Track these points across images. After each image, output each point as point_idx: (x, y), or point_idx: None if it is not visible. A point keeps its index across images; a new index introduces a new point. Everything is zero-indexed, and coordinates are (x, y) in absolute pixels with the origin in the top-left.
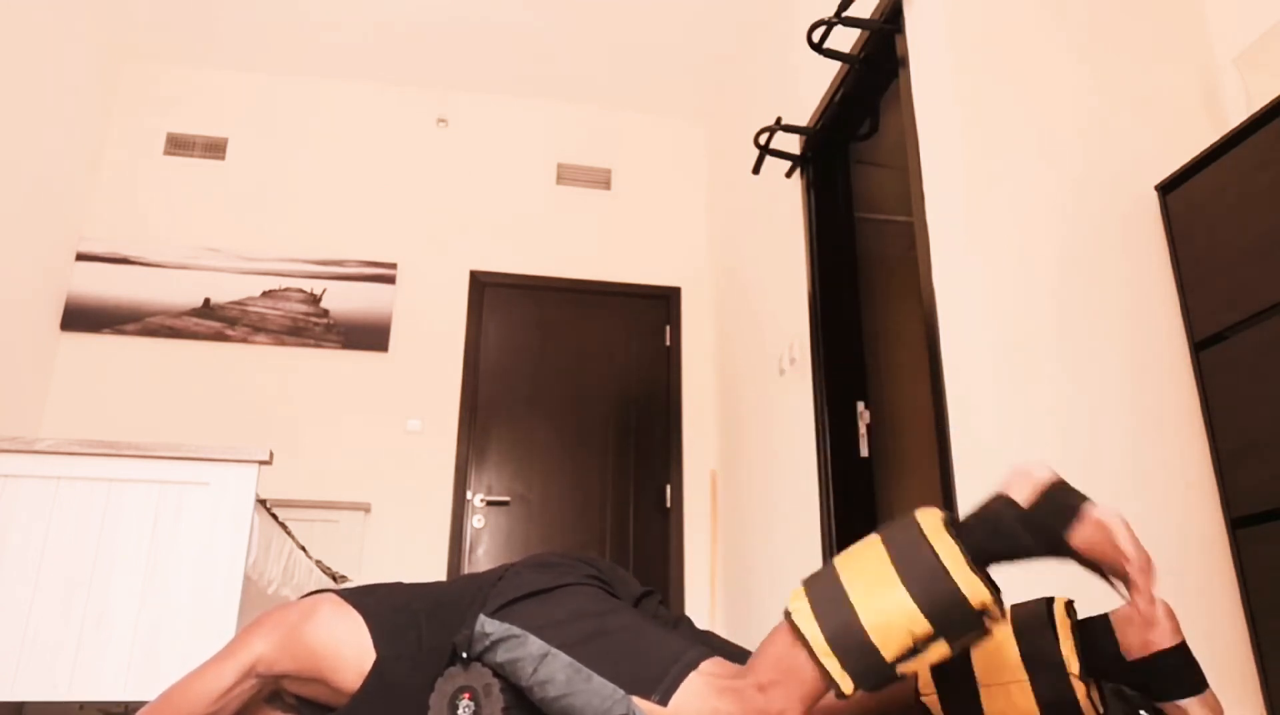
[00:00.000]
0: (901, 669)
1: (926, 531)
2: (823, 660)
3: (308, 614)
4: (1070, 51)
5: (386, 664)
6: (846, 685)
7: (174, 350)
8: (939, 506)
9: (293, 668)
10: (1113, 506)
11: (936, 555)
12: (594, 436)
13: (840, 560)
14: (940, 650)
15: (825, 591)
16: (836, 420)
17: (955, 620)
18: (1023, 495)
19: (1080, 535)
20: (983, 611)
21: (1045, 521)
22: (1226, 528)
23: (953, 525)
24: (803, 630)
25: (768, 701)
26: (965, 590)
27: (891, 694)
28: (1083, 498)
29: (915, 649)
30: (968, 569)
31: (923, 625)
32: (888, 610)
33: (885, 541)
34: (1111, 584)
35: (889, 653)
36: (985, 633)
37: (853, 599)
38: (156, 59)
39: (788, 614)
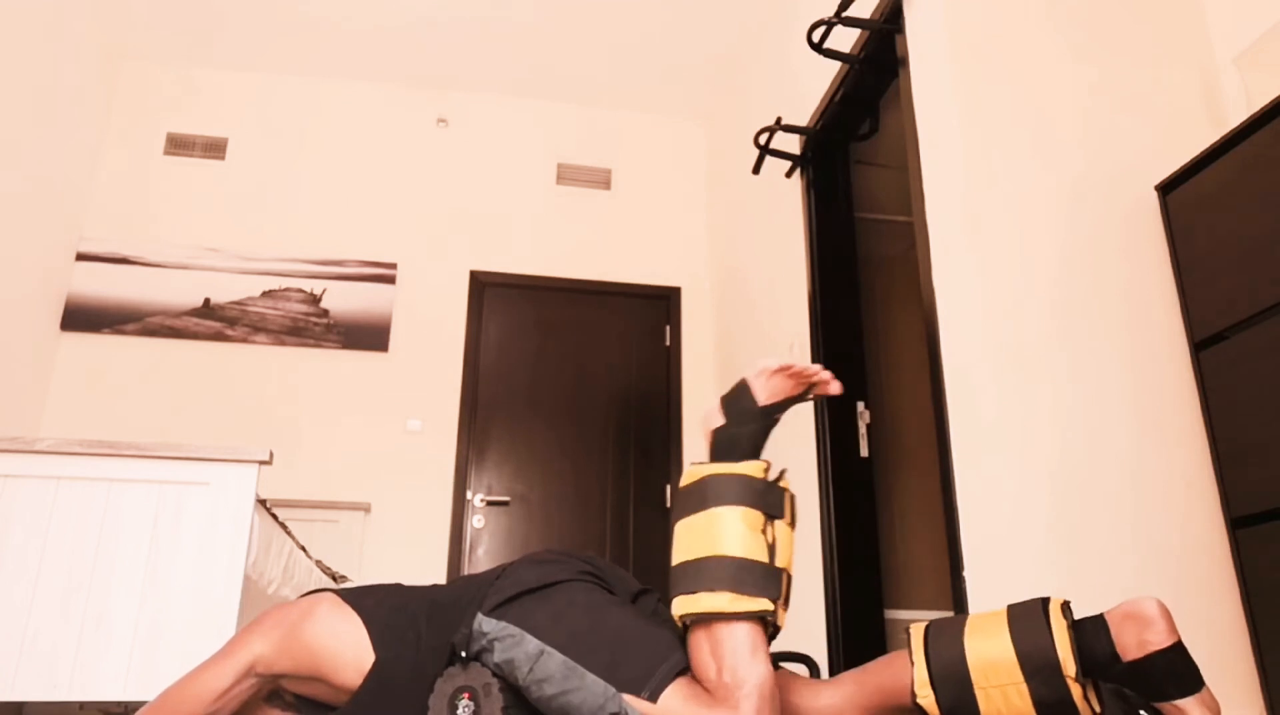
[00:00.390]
0: None
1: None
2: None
3: (306, 614)
4: (1070, 51)
5: (385, 664)
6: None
7: (174, 350)
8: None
9: (291, 667)
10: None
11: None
12: (594, 436)
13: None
14: None
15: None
16: (836, 420)
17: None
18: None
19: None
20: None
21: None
22: (1226, 528)
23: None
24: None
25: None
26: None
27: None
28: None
29: None
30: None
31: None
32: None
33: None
34: None
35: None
36: None
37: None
38: (156, 59)
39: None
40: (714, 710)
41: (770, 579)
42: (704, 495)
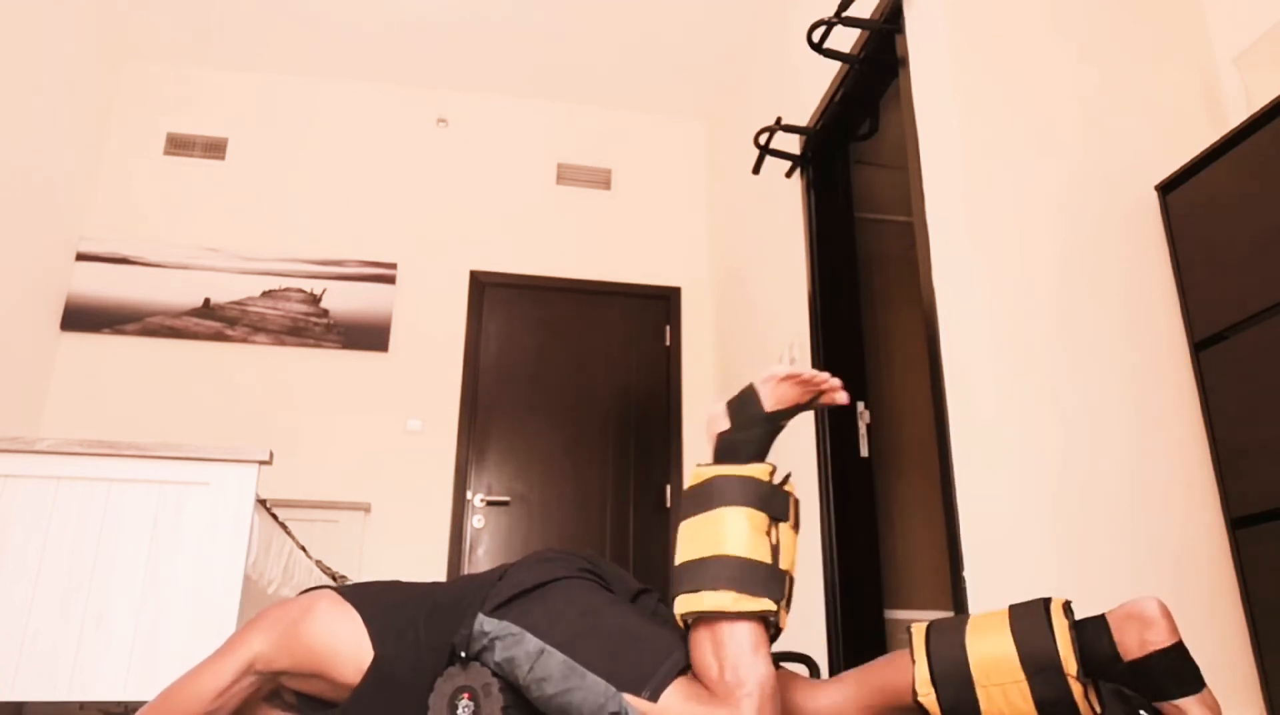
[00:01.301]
0: None
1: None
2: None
3: (306, 611)
4: (1070, 51)
5: (384, 661)
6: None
7: (174, 350)
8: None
9: (291, 665)
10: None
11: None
12: (594, 437)
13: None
14: None
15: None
16: (836, 420)
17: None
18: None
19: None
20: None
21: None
22: (1226, 528)
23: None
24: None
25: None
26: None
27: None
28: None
29: None
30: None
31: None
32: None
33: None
34: None
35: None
36: None
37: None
38: (156, 59)
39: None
40: (715, 708)
41: (774, 580)
42: (710, 496)
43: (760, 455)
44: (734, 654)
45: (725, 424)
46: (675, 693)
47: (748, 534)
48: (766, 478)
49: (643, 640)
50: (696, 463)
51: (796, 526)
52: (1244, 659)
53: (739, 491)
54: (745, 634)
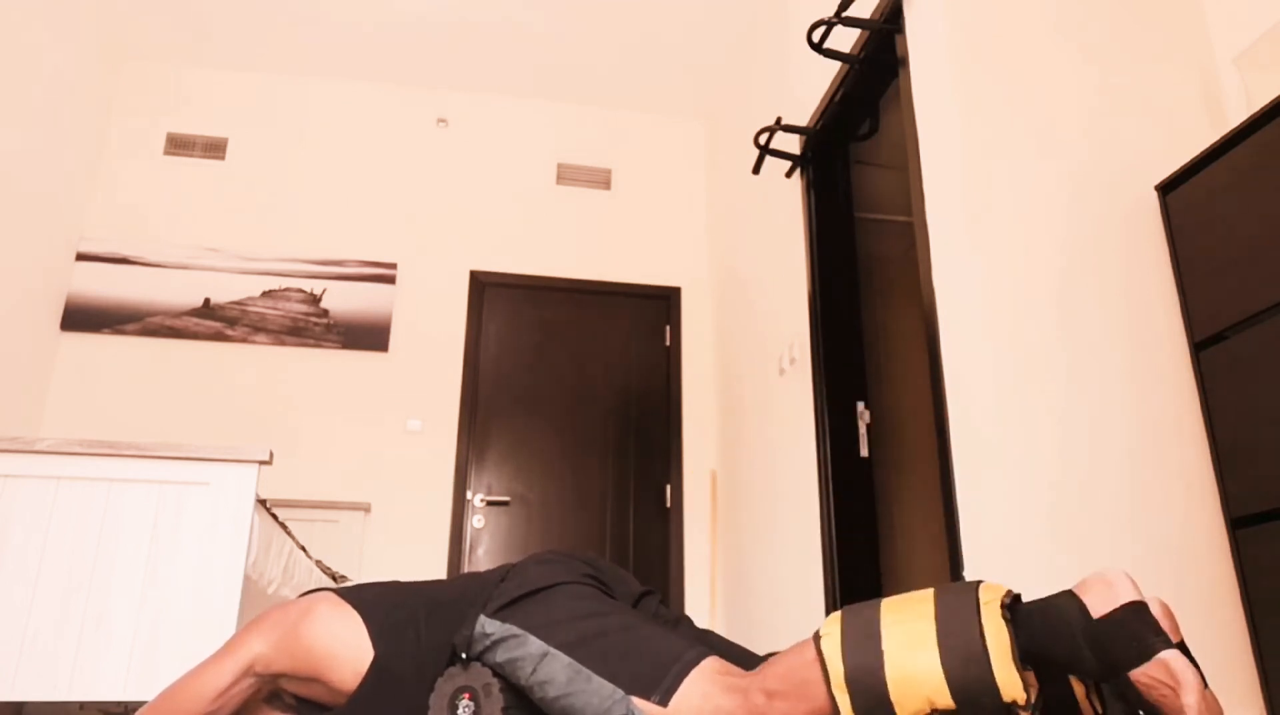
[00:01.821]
0: None
1: (983, 607)
2: (835, 693)
3: (305, 612)
4: (1070, 51)
5: (384, 662)
6: None
7: (174, 350)
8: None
9: (291, 666)
10: (1187, 661)
11: (983, 637)
12: (594, 436)
13: (887, 605)
14: None
15: (860, 628)
16: (836, 420)
17: (981, 706)
18: (1097, 605)
19: (1146, 675)
20: (1011, 705)
21: (1112, 647)
22: (1226, 528)
23: (1011, 609)
24: (826, 657)
25: (769, 708)
26: (1001, 683)
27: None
28: (1162, 640)
29: None
30: (1011, 663)
31: (945, 698)
32: (915, 672)
33: (938, 602)
34: None
35: (902, 711)
36: None
37: (884, 647)
38: (156, 59)
39: (817, 636)
40: (741, 681)
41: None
42: (961, 628)
43: (1050, 662)
44: (798, 691)
45: (1126, 594)
46: (689, 689)
47: (917, 687)
48: (1005, 699)
49: (650, 644)
50: (1004, 589)
51: None
52: (1244, 659)
53: (966, 665)
54: (818, 700)
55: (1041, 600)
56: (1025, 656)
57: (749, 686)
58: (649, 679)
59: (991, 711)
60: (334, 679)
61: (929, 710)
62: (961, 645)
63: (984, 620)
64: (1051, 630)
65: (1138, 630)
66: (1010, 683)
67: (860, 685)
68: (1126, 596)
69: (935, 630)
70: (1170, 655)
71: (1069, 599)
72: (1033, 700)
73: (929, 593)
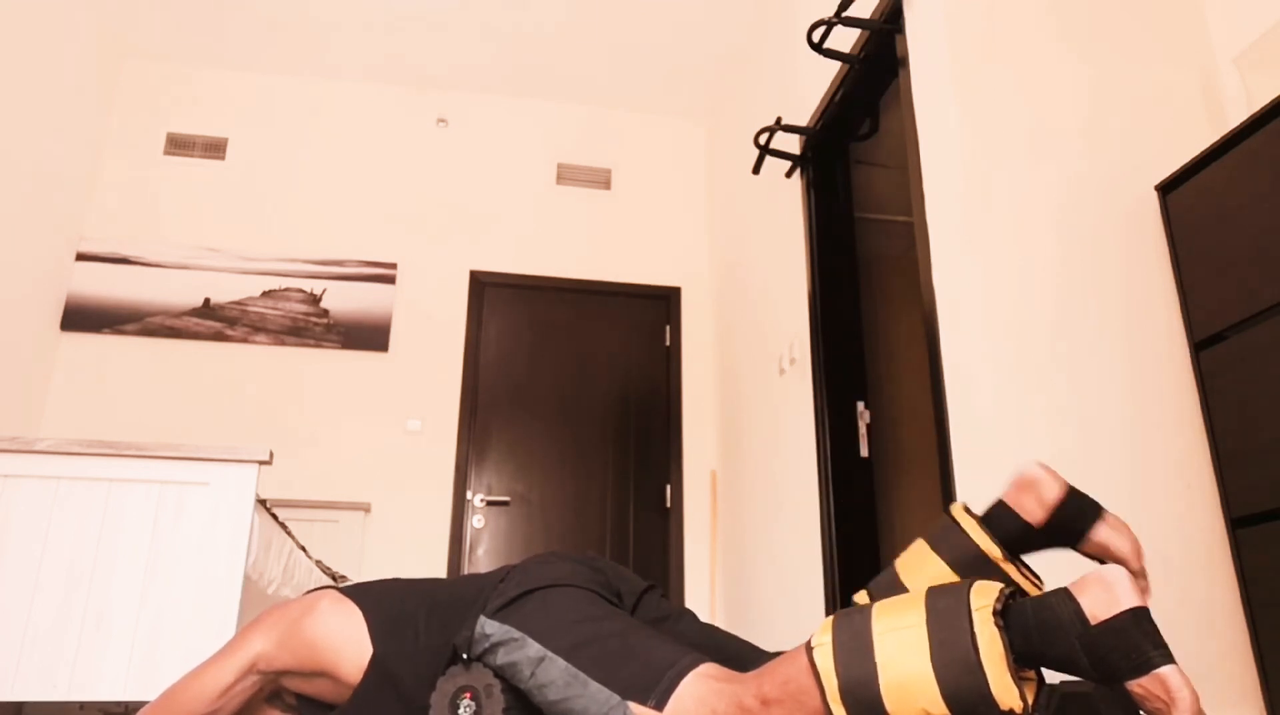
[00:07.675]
0: None
1: (975, 614)
2: (831, 705)
3: (307, 610)
4: (1070, 51)
5: (384, 658)
6: None
7: (174, 350)
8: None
9: (293, 664)
10: (1184, 678)
11: (976, 646)
12: (594, 436)
13: (877, 611)
14: None
15: (852, 638)
16: (836, 420)
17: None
18: (1094, 608)
19: (1141, 687)
20: (1008, 713)
21: (1109, 656)
22: (1226, 528)
23: (1004, 614)
24: (820, 670)
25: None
26: (996, 693)
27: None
28: (1161, 653)
29: None
30: (1006, 672)
31: (940, 709)
32: (909, 682)
33: (929, 608)
34: None
35: None
36: None
37: (877, 657)
38: (157, 58)
39: (809, 647)
40: (736, 687)
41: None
42: (953, 636)
43: (1046, 666)
44: (794, 700)
45: (1127, 599)
46: (684, 693)
47: (911, 698)
48: (1002, 708)
49: (646, 649)
50: (996, 589)
51: None
52: (1244, 659)
53: (960, 675)
54: (813, 711)
55: (1037, 599)
56: (1020, 659)
57: (744, 692)
58: (645, 684)
59: None
60: (337, 674)
61: None
62: (955, 656)
63: (976, 628)
64: (1046, 635)
65: (1136, 641)
66: (1006, 692)
67: (855, 698)
68: (1126, 600)
69: (928, 641)
70: (1168, 671)
71: (1065, 601)
72: (1031, 703)
73: (919, 600)
